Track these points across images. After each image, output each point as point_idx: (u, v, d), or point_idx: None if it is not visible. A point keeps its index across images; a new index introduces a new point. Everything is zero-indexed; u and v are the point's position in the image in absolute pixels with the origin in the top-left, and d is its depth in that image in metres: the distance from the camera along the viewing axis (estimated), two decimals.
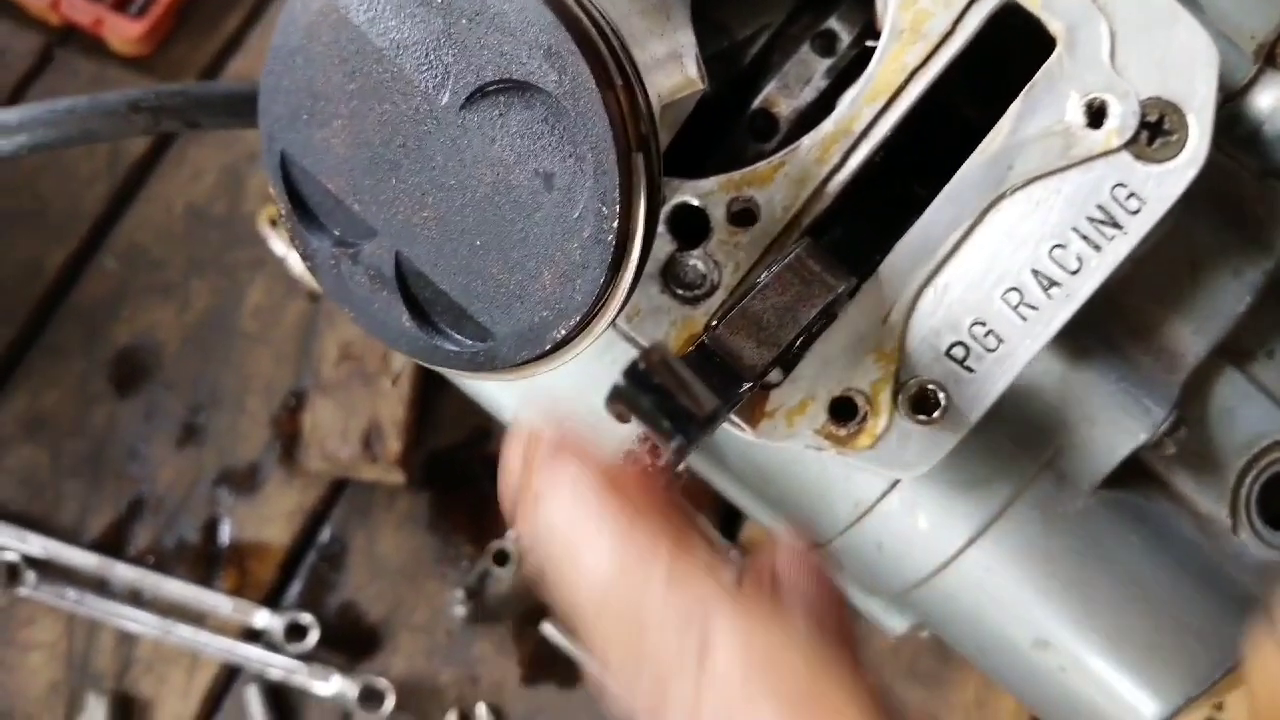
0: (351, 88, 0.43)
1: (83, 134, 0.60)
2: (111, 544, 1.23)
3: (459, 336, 0.45)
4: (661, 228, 0.53)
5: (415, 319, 0.45)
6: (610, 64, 0.40)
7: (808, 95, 0.61)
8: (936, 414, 0.52)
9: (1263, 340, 0.58)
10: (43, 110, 0.59)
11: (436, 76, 0.42)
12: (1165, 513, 0.63)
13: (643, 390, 0.43)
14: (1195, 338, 0.57)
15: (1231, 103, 0.57)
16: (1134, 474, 0.60)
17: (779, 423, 0.52)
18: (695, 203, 0.53)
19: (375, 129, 0.43)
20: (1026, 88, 0.52)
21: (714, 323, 0.50)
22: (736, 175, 0.53)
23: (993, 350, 0.52)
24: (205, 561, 1.24)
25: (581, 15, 0.40)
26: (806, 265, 0.50)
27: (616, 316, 0.44)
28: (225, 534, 1.25)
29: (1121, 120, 0.51)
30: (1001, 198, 0.52)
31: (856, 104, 0.53)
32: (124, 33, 1.41)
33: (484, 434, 1.26)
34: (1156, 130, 0.51)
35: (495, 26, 0.40)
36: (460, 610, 1.17)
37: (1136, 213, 0.51)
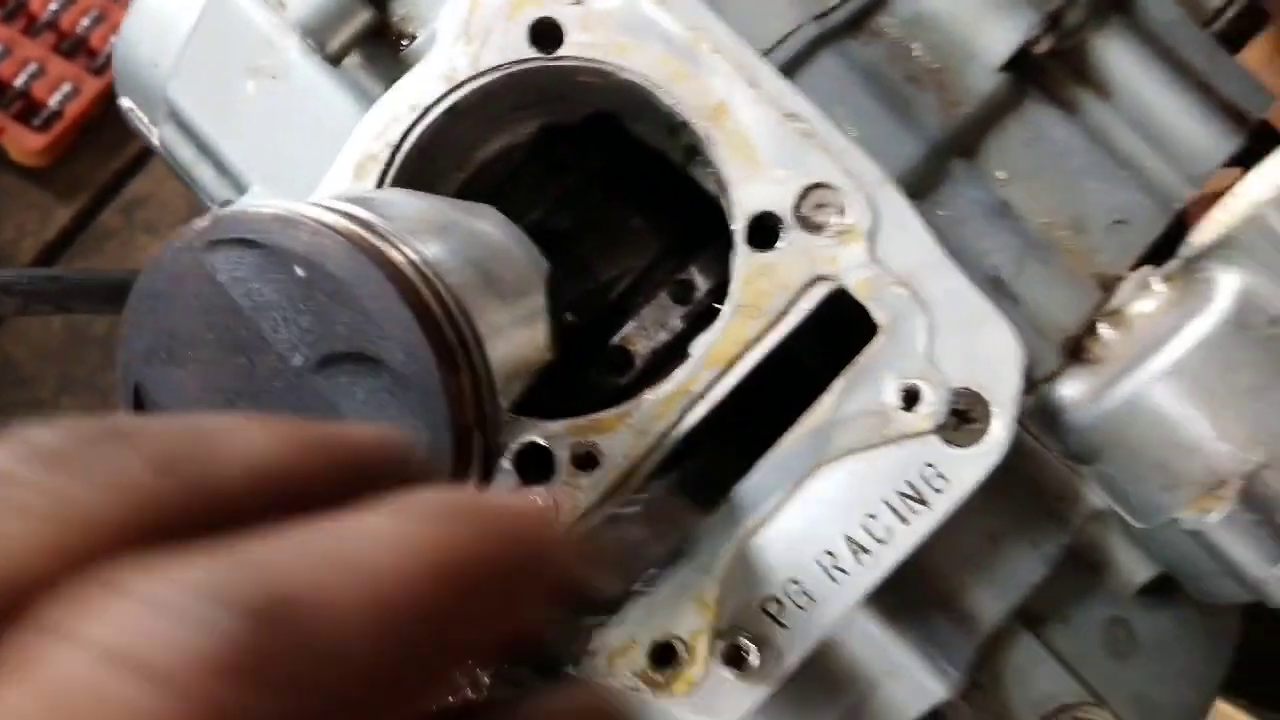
0: (210, 337, 0.46)
1: None
2: None
3: None
4: (508, 465, 0.56)
5: None
6: (457, 351, 0.43)
7: (662, 337, 0.66)
8: (750, 667, 0.55)
9: (1056, 607, 0.63)
10: None
11: (292, 339, 0.44)
12: None
13: None
14: (994, 604, 0.61)
15: (1038, 390, 0.62)
16: None
17: (600, 662, 0.55)
18: (542, 443, 0.56)
19: (229, 377, 0.46)
20: (849, 368, 0.57)
21: None
22: (582, 421, 0.57)
23: (804, 608, 0.55)
24: None
25: (432, 302, 0.43)
26: (667, 503, 0.53)
27: None
28: None
29: (933, 406, 0.56)
30: (821, 466, 0.56)
31: (697, 366, 0.57)
32: (24, 144, 1.42)
33: None
34: (964, 418, 0.56)
35: (352, 305, 0.43)
36: None
37: (941, 491, 0.56)
